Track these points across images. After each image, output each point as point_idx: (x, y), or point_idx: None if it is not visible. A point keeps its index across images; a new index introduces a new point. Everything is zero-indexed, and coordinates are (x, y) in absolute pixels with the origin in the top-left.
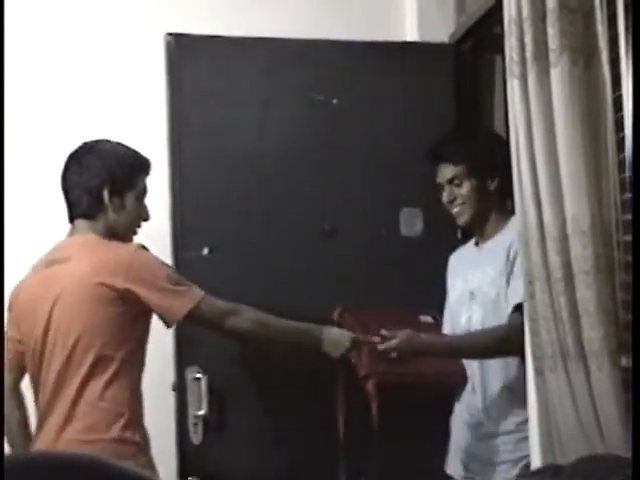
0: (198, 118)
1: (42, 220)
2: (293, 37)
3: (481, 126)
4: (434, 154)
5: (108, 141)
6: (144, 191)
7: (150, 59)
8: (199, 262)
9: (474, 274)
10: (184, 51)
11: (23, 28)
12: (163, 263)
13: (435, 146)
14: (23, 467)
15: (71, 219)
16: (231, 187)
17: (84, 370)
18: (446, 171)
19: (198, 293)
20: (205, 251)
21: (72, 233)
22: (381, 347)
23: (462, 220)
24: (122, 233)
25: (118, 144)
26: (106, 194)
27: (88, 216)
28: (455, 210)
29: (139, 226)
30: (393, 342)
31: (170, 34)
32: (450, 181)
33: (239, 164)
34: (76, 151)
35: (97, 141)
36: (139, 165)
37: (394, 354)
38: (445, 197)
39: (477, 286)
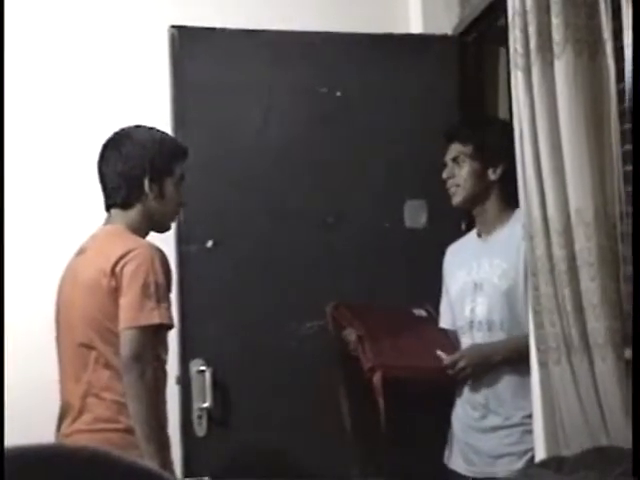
0: (202, 110)
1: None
2: (297, 29)
3: (498, 117)
4: (448, 134)
5: (144, 127)
6: (182, 177)
7: (154, 52)
8: (203, 255)
9: (479, 265)
10: (188, 43)
11: (26, 21)
12: (159, 272)
13: (451, 126)
14: (16, 460)
15: (107, 208)
16: (235, 179)
17: (91, 363)
18: (453, 149)
19: (156, 316)
20: (209, 244)
21: (106, 222)
22: (451, 372)
23: (455, 200)
24: (160, 220)
25: (155, 130)
26: (147, 182)
27: (125, 205)
28: (451, 189)
29: (177, 213)
30: (462, 362)
31: (174, 27)
32: (454, 159)
33: (243, 156)
34: (113, 138)
35: (134, 128)
36: (177, 152)
37: (469, 370)
38: (444, 173)
39: (484, 277)
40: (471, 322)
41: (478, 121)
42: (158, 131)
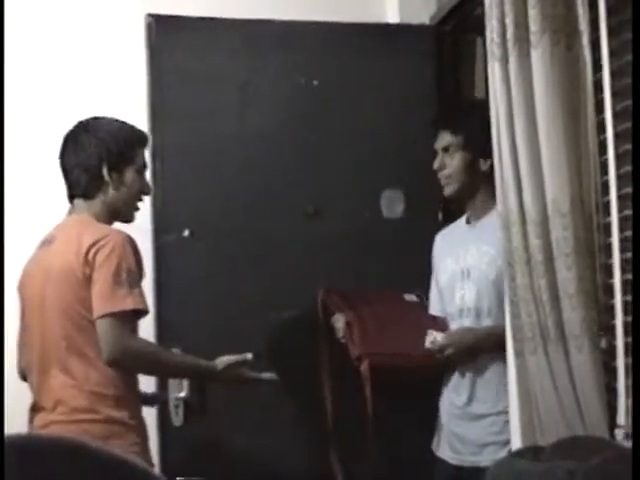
0: (179, 100)
1: (34, 202)
2: (274, 19)
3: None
4: (437, 121)
5: (103, 118)
6: (144, 165)
7: (131, 40)
8: (180, 244)
9: (467, 252)
10: (165, 32)
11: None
12: (130, 259)
13: (439, 113)
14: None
15: (70, 199)
16: (212, 169)
17: (64, 353)
18: (444, 139)
19: (129, 302)
20: (186, 233)
21: (70, 213)
22: (439, 356)
23: (447, 192)
24: (122, 209)
25: (113, 120)
26: (105, 171)
27: (87, 195)
28: (442, 181)
29: (140, 200)
30: (449, 347)
31: (151, 15)
32: (445, 149)
33: (220, 146)
34: (72, 131)
35: (92, 119)
36: (136, 139)
37: (450, 350)
38: (435, 164)
39: (472, 264)
40: (460, 309)
41: (468, 110)
42: (117, 121)
